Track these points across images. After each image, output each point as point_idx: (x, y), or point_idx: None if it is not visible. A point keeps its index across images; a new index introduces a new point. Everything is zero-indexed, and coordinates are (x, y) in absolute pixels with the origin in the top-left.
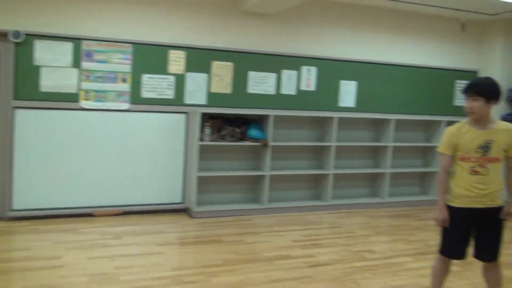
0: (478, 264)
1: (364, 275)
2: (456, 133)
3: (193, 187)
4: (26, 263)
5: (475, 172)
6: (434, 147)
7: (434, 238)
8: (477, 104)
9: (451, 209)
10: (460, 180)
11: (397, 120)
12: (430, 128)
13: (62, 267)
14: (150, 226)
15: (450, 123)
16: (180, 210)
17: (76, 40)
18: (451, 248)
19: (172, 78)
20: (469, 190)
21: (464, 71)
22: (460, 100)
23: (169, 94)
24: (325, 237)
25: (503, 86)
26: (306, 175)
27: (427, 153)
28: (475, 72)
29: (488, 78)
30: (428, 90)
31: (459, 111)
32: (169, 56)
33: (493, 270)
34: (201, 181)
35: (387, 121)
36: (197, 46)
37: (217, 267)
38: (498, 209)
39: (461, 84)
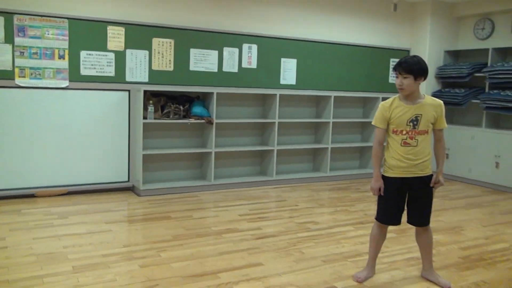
0: (412, 231)
1: (308, 244)
2: (388, 108)
3: (139, 166)
4: None
5: (406, 144)
6: (371, 122)
7: (372, 208)
8: (407, 81)
9: (386, 179)
10: (393, 152)
11: (336, 97)
12: (367, 104)
13: (7, 248)
14: (97, 205)
15: (385, 100)
16: (126, 189)
17: (7, 14)
18: (388, 215)
19: (111, 55)
20: (401, 161)
21: (397, 49)
22: (394, 77)
23: (110, 71)
24: (270, 210)
25: (432, 63)
26: (251, 152)
27: (365, 128)
28: (407, 51)
29: (416, 56)
30: (365, 68)
31: (394, 88)
32: (108, 32)
33: (424, 234)
34: (147, 159)
35: (327, 98)
36: (136, 22)
37: (167, 242)
38: (428, 178)
39: (395, 61)
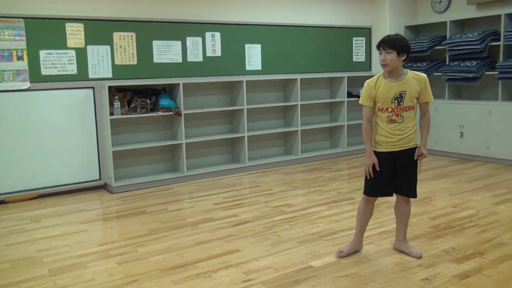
0: (385, 205)
1: (284, 227)
2: (373, 86)
3: (109, 163)
4: None
5: (392, 121)
6: (339, 102)
7: (345, 187)
8: (390, 56)
9: (376, 155)
10: (380, 129)
11: (302, 79)
12: (334, 84)
13: None
14: (69, 206)
15: (351, 79)
16: (98, 187)
17: None
18: (376, 188)
19: (72, 53)
20: (388, 137)
21: (359, 28)
22: (358, 56)
23: (72, 69)
24: (245, 197)
25: None
26: (222, 140)
27: (333, 108)
28: (369, 29)
29: (398, 34)
30: (329, 48)
31: (359, 67)
32: (67, 29)
33: (405, 206)
34: (117, 155)
35: (293, 80)
36: (95, 17)
37: (143, 237)
38: (414, 150)
39: (358, 40)
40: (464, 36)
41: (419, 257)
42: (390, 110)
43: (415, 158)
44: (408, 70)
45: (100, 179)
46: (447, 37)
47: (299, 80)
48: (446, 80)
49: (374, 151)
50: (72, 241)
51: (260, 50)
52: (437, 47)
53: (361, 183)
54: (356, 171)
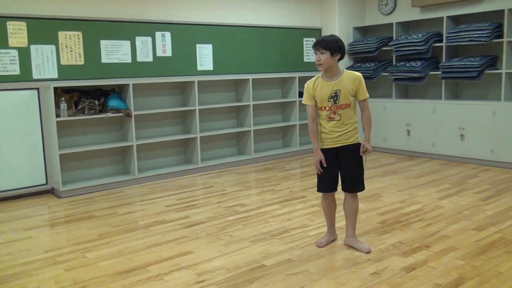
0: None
1: (237, 227)
2: (312, 86)
3: (56, 166)
4: None
5: (331, 119)
6: (291, 102)
7: (297, 185)
8: (324, 56)
9: (321, 151)
10: (321, 127)
11: (254, 79)
12: (285, 85)
13: None
14: (13, 213)
15: (302, 79)
16: (45, 192)
17: None
18: (325, 184)
19: (14, 52)
20: (329, 134)
21: (309, 28)
22: (309, 56)
23: (14, 69)
24: (198, 198)
25: (343, 40)
26: (174, 141)
27: (285, 108)
28: (319, 29)
29: (332, 35)
30: (280, 49)
31: (310, 67)
32: (8, 28)
33: (352, 202)
34: (64, 158)
35: (245, 81)
36: (39, 15)
37: (92, 242)
38: (355, 146)
39: (308, 41)
40: (409, 37)
41: (368, 252)
42: (327, 108)
43: (360, 154)
44: (344, 70)
45: (46, 183)
46: (394, 38)
47: (251, 80)
48: (393, 80)
49: (320, 149)
50: (16, 248)
51: (212, 50)
52: (384, 48)
53: (312, 182)
54: (308, 169)
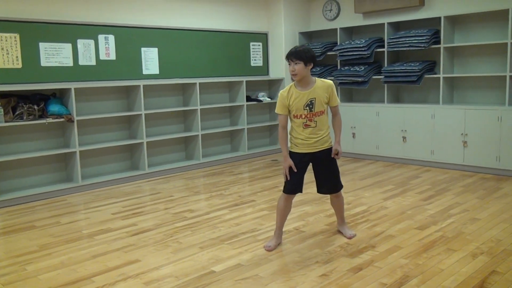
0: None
1: (185, 233)
2: (286, 96)
3: None
4: None
5: (307, 126)
6: (239, 106)
7: (246, 189)
8: (298, 66)
9: (292, 154)
10: (297, 134)
11: (201, 84)
12: (233, 89)
13: None
14: None
15: (249, 83)
16: None
17: None
18: (294, 185)
19: None
20: (305, 140)
21: (256, 33)
22: (255, 60)
23: None
24: (145, 204)
25: (289, 45)
26: (120, 147)
27: (233, 112)
28: (265, 34)
29: (303, 46)
30: (227, 53)
31: (257, 71)
32: None
33: (337, 200)
34: (2, 167)
35: (192, 85)
36: None
37: (33, 253)
38: (329, 150)
39: (255, 45)
40: (352, 43)
41: (350, 238)
42: (303, 116)
43: (332, 156)
44: (316, 78)
45: None
46: (338, 43)
47: (198, 85)
48: (338, 84)
49: (293, 152)
50: None
51: (157, 54)
52: (329, 53)
53: (261, 186)
54: (257, 173)
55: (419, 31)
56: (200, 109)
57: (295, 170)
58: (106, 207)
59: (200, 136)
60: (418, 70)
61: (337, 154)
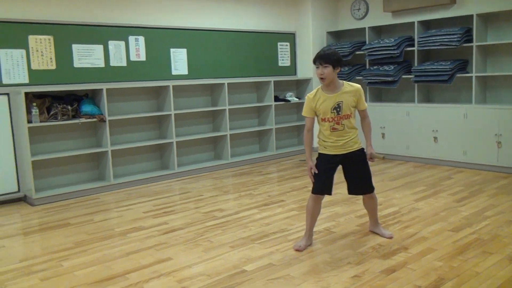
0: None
1: (216, 233)
2: (313, 99)
3: (29, 173)
4: None
5: (334, 130)
6: (267, 106)
7: (275, 189)
8: (327, 70)
9: (321, 155)
10: (324, 136)
11: (230, 84)
12: (261, 89)
13: None
14: None
15: (277, 83)
16: (17, 200)
17: None
18: (322, 186)
19: None
20: (334, 143)
21: (283, 33)
22: (283, 60)
23: None
24: (175, 203)
25: (317, 45)
26: (150, 146)
27: (261, 112)
28: (293, 34)
29: (329, 48)
30: (255, 53)
31: (284, 71)
32: None
33: (369, 200)
34: (37, 165)
35: (220, 85)
36: (7, 19)
37: (68, 250)
38: (359, 151)
39: (282, 45)
40: (381, 42)
41: (390, 237)
42: (331, 119)
43: (368, 160)
44: (344, 82)
45: (19, 191)
46: (366, 42)
47: (226, 85)
48: (367, 83)
49: (322, 153)
50: None
51: (186, 54)
52: (357, 52)
53: (290, 186)
54: (285, 173)
55: (450, 30)
56: (229, 109)
57: (316, 172)
58: (137, 206)
59: (228, 136)
60: (449, 69)
61: (371, 158)
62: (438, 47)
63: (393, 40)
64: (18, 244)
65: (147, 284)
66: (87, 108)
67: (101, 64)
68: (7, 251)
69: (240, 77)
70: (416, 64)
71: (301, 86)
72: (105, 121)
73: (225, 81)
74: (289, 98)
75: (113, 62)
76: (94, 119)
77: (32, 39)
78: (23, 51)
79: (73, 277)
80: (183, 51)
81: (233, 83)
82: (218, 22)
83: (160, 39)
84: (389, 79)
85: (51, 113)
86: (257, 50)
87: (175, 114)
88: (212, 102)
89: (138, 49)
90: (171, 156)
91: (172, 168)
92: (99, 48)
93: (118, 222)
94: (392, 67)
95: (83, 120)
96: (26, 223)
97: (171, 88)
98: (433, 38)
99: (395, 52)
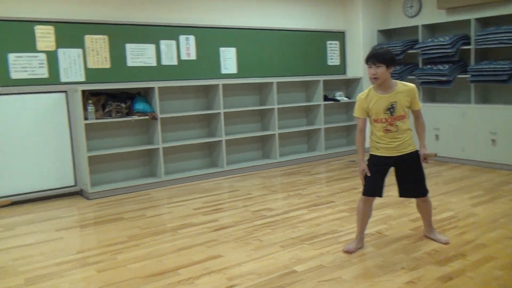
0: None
1: (265, 232)
2: (365, 99)
3: (85, 168)
4: None
5: (387, 131)
6: (316, 105)
7: (324, 190)
8: (380, 70)
9: (373, 157)
10: (377, 138)
11: (279, 83)
12: (310, 88)
13: None
14: (44, 213)
15: (326, 82)
16: (74, 193)
17: None
18: (373, 188)
19: (42, 56)
20: (388, 144)
21: (332, 31)
22: (332, 59)
23: (42, 73)
24: (225, 201)
25: (367, 44)
26: (199, 144)
27: (309, 112)
28: (342, 32)
29: (382, 47)
30: (304, 52)
31: (334, 70)
32: (36, 32)
33: (423, 204)
34: (92, 161)
35: (269, 84)
36: (66, 20)
37: (122, 244)
38: (413, 154)
39: (332, 44)
40: (435, 40)
41: (446, 243)
42: (384, 120)
43: (422, 161)
44: (397, 81)
45: (75, 185)
46: (419, 41)
47: (275, 84)
48: (420, 83)
49: (374, 154)
50: (47, 249)
51: (235, 53)
52: (409, 51)
53: (339, 187)
54: (334, 174)
55: (510, 27)
56: (277, 108)
57: (369, 174)
58: (187, 202)
59: (277, 135)
60: (509, 69)
61: (425, 158)
62: (497, 46)
63: (448, 38)
64: (75, 236)
65: (198, 280)
66: (139, 106)
67: (153, 63)
68: (65, 243)
69: (289, 76)
70: (472, 63)
71: (350, 85)
72: (157, 119)
73: (274, 80)
74: (338, 98)
75: (164, 61)
76: (146, 117)
77: (88, 38)
78: (80, 51)
79: (127, 270)
80: (232, 50)
81: (282, 82)
82: (267, 21)
83: (210, 38)
84: (444, 78)
85: (106, 110)
86: (306, 49)
87: (224, 112)
88: (260, 101)
89: (188, 48)
90: (220, 154)
91: (221, 166)
92: (151, 48)
93: (169, 218)
94: (447, 66)
95: (136, 117)
96: (82, 216)
97: (220, 87)
98: (492, 36)
99: (450, 51)
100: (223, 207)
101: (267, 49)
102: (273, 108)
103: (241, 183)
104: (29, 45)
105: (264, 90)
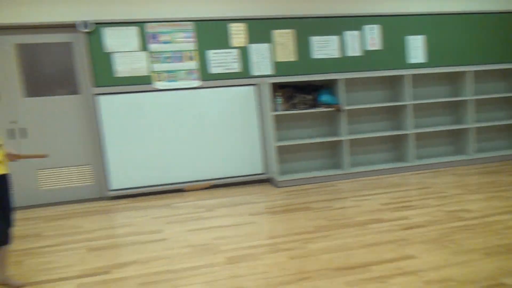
0: None
1: (464, 235)
2: None
3: (274, 157)
4: (133, 238)
5: None
6: None
7: None
8: None
9: None
10: None
11: (475, 72)
12: (509, 77)
13: (166, 240)
14: (238, 198)
15: None
16: (263, 181)
17: (140, 24)
18: None
19: (236, 51)
20: None
21: None
22: None
23: (235, 67)
24: (414, 198)
25: None
26: (385, 137)
27: (510, 104)
28: None
29: None
30: (502, 37)
31: None
32: (230, 29)
33: None
34: (280, 150)
35: (463, 73)
36: (256, 16)
37: (311, 233)
38: None
39: None
40: None
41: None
42: None
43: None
44: None
45: (264, 173)
46: None
47: (470, 73)
48: None
49: None
50: (242, 231)
51: (424, 41)
52: None
53: None
54: None
55: None
56: (474, 99)
57: None
58: (374, 197)
59: (472, 129)
60: None
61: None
62: None
63: None
64: (266, 222)
65: (391, 280)
66: (325, 97)
67: (337, 54)
68: (257, 227)
69: (485, 64)
70: None
71: None
72: (341, 111)
73: (469, 68)
74: None
75: (348, 52)
76: (332, 109)
77: (276, 33)
78: (269, 45)
79: (318, 260)
80: (420, 38)
81: (478, 71)
82: (458, 5)
83: (396, 26)
84: None
85: (292, 102)
86: (504, 33)
87: (412, 104)
88: (453, 91)
89: (373, 38)
90: (408, 148)
91: (409, 161)
92: (335, 39)
93: (357, 211)
94: None
95: (321, 109)
96: (272, 203)
97: (408, 77)
98: None
99: None
100: (413, 204)
101: (460, 35)
102: (467, 100)
103: (431, 180)
104: (224, 42)
105: (456, 79)
